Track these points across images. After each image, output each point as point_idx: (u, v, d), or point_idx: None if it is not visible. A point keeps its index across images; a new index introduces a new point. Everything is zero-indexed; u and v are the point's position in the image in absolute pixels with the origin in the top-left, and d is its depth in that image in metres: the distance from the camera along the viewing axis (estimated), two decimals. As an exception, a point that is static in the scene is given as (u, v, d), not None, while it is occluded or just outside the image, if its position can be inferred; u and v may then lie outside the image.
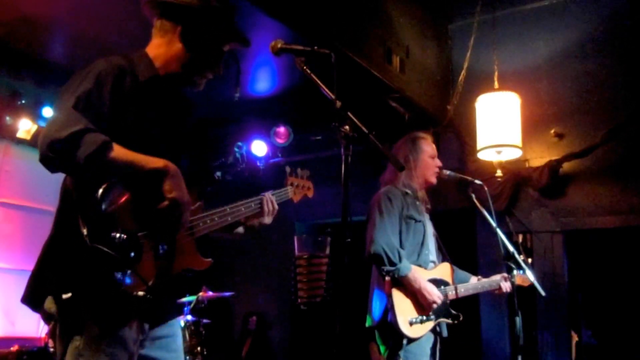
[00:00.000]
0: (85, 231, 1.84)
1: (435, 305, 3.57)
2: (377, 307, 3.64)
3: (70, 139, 1.86)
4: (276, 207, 2.62)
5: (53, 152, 1.87)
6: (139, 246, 1.96)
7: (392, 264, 3.51)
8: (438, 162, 3.95)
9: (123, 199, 1.94)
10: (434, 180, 3.92)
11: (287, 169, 2.76)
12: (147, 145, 2.10)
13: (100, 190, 1.87)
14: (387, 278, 3.54)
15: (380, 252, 3.53)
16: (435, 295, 3.56)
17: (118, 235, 1.89)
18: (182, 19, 2.30)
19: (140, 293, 1.94)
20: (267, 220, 2.59)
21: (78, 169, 1.89)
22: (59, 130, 1.87)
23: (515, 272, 3.90)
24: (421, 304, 3.56)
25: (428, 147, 3.95)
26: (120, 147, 1.96)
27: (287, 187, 2.73)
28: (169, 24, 2.31)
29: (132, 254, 1.92)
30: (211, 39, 2.33)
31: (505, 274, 3.96)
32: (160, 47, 2.31)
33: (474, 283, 3.91)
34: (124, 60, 2.18)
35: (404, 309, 3.51)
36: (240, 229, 2.58)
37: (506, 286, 3.91)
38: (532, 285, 4.03)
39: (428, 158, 3.92)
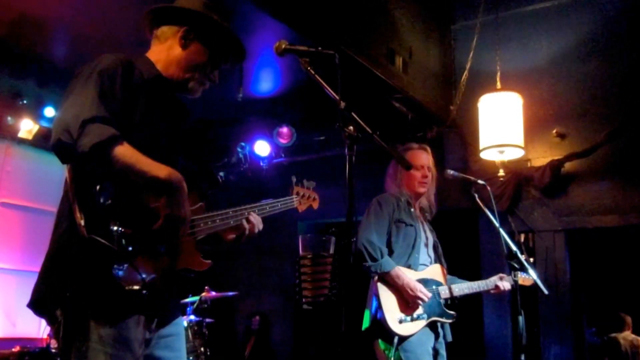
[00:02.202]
0: (82, 222, 1.82)
1: (420, 302, 3.59)
2: (372, 307, 3.67)
3: (85, 123, 1.87)
4: (255, 228, 2.43)
5: (66, 138, 1.87)
6: (136, 241, 1.94)
7: (373, 259, 3.55)
8: (424, 172, 3.94)
9: (120, 193, 1.92)
10: (419, 189, 3.93)
11: (293, 178, 2.73)
12: (152, 140, 2.11)
13: (99, 184, 1.86)
14: (375, 278, 3.58)
15: (361, 248, 3.58)
16: (419, 291, 3.57)
17: (116, 227, 1.86)
18: (185, 23, 2.31)
19: (136, 287, 1.91)
20: (243, 239, 2.42)
21: (82, 157, 1.88)
22: (77, 116, 1.88)
23: (518, 273, 3.90)
24: (407, 301, 3.59)
25: (413, 158, 3.95)
26: (128, 147, 1.94)
27: (293, 196, 2.69)
28: (170, 30, 2.32)
29: (130, 247, 1.90)
30: (211, 46, 2.34)
31: (502, 274, 3.96)
32: (161, 52, 2.32)
33: (468, 283, 3.91)
34: (129, 58, 2.20)
35: (391, 307, 3.55)
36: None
37: (504, 285, 3.91)
38: (534, 285, 4.03)
39: (412, 170, 3.93)
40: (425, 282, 3.70)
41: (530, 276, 3.95)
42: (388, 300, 3.57)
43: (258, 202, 2.49)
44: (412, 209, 3.88)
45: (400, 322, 3.53)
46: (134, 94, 2.11)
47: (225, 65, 2.43)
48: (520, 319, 3.62)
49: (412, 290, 3.56)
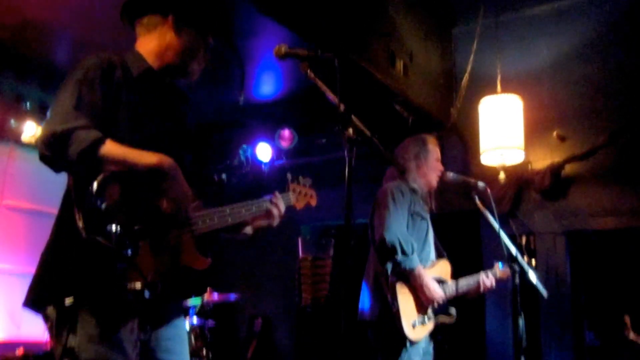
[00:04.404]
0: (80, 224, 1.83)
1: (435, 304, 3.58)
2: (375, 305, 3.64)
3: (62, 136, 1.89)
4: (282, 210, 2.57)
5: (49, 150, 1.91)
6: (136, 239, 1.95)
7: (404, 253, 3.50)
8: (440, 167, 4.00)
9: (119, 191, 1.93)
10: (435, 183, 3.97)
11: (289, 175, 2.72)
12: (147, 140, 2.11)
13: (95, 183, 1.86)
14: (390, 280, 3.55)
15: (394, 241, 3.51)
16: (437, 294, 3.56)
17: (114, 227, 1.87)
18: (172, 7, 2.31)
19: (138, 286, 1.92)
20: (274, 222, 2.55)
21: (72, 166, 1.92)
22: (53, 128, 1.91)
23: (497, 264, 3.96)
24: (421, 301, 3.57)
25: (435, 149, 4.02)
26: (114, 144, 1.96)
27: (289, 192, 2.69)
28: (158, 17, 2.32)
29: (129, 246, 1.92)
30: (201, 27, 2.34)
31: (488, 271, 3.98)
32: (151, 42, 2.31)
33: (466, 279, 3.92)
34: (116, 56, 2.19)
35: (408, 311, 3.52)
36: (248, 229, 2.55)
37: (490, 281, 3.93)
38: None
39: (434, 160, 3.97)
40: (438, 282, 3.70)
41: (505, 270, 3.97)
42: (406, 304, 3.53)
43: (256, 199, 2.51)
44: (422, 202, 3.88)
45: (414, 326, 3.51)
46: (118, 94, 2.11)
47: (216, 42, 2.42)
48: (521, 321, 3.62)
49: (429, 292, 3.53)
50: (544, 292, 3.96)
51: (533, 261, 5.73)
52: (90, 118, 1.98)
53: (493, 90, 5.60)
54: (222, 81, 5.70)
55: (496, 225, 3.80)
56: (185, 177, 2.12)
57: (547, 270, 5.68)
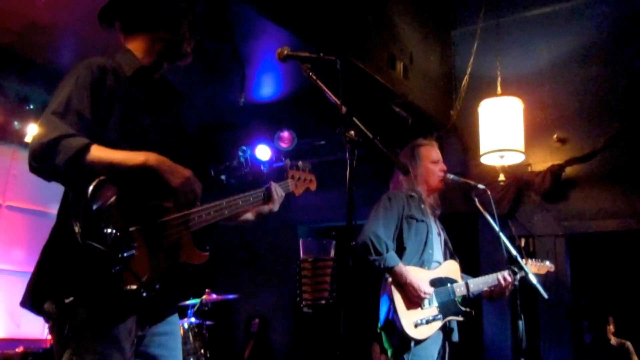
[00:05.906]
0: (77, 229, 1.85)
1: (422, 302, 3.53)
2: (382, 309, 3.64)
3: (48, 147, 1.90)
4: (282, 194, 2.63)
5: (36, 161, 1.92)
6: (131, 241, 1.96)
7: (377, 253, 3.51)
8: (442, 166, 3.94)
9: (114, 194, 1.93)
10: (438, 185, 3.92)
11: (287, 162, 2.74)
12: (144, 140, 2.13)
13: (91, 188, 1.86)
14: (389, 280, 3.55)
15: (367, 240, 3.53)
16: (421, 291, 3.50)
17: (109, 231, 1.88)
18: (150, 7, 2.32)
19: (133, 287, 1.93)
20: (275, 207, 2.60)
21: (60, 175, 1.93)
22: (38, 140, 1.92)
23: (529, 260, 3.92)
24: (410, 300, 3.53)
25: (429, 153, 3.95)
26: (99, 148, 1.97)
27: (288, 180, 2.71)
28: (134, 18, 2.33)
29: (124, 250, 1.92)
30: (176, 7, 2.34)
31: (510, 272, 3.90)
32: (137, 39, 2.32)
33: (482, 277, 3.84)
34: (107, 60, 2.19)
35: (406, 310, 3.50)
36: (249, 215, 2.58)
37: (511, 276, 3.78)
38: (546, 273, 4.07)
39: (429, 164, 3.92)
40: (440, 280, 3.66)
41: (531, 278, 3.93)
42: (402, 303, 3.51)
43: (253, 190, 2.54)
44: (423, 205, 3.87)
45: (416, 325, 3.47)
46: (110, 99, 2.12)
47: (197, 12, 2.44)
48: (520, 323, 3.60)
49: (414, 289, 3.49)
50: (544, 294, 3.94)
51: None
52: (78, 125, 1.99)
53: (493, 92, 5.62)
54: (222, 82, 5.72)
55: (496, 226, 3.79)
56: None
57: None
